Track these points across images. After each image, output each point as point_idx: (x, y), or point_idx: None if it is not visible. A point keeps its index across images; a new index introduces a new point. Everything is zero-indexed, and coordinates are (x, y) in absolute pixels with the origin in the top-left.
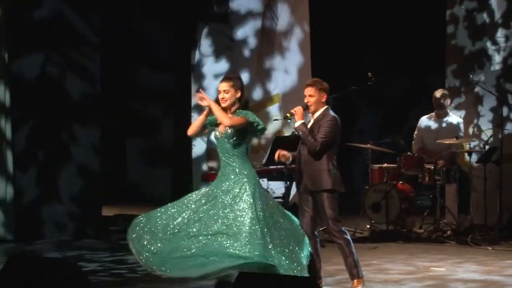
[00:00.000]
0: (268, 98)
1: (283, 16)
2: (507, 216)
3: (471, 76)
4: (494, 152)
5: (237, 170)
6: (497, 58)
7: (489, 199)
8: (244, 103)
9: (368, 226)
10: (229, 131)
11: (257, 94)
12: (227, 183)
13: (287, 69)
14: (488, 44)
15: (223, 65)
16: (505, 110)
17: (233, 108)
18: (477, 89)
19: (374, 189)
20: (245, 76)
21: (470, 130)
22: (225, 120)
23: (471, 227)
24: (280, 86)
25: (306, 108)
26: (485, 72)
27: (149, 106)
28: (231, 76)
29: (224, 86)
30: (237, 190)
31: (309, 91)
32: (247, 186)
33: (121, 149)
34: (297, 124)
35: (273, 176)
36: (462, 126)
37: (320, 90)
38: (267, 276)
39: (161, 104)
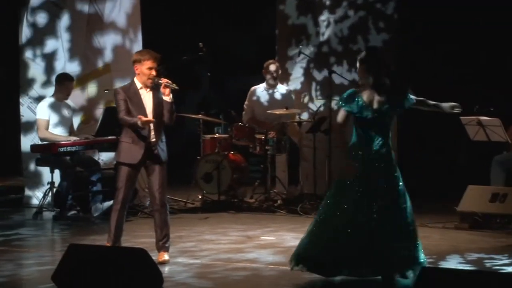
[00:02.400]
0: (98, 69)
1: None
2: None
3: (300, 47)
4: (323, 122)
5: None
6: (314, 40)
7: (319, 169)
8: None
9: (200, 197)
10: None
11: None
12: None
13: None
14: (310, 22)
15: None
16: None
17: None
18: (307, 59)
19: (205, 160)
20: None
21: (300, 101)
22: None
23: (300, 197)
24: (109, 56)
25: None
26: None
27: None
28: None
29: None
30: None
31: (157, 64)
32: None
33: None
34: (170, 98)
35: (104, 147)
36: (292, 96)
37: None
38: (98, 247)
39: None
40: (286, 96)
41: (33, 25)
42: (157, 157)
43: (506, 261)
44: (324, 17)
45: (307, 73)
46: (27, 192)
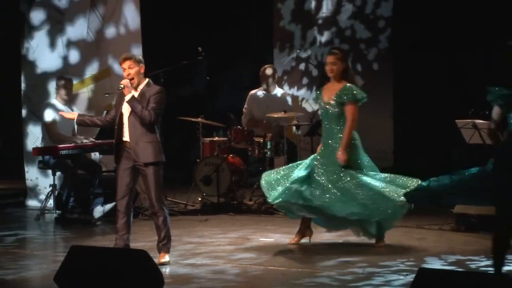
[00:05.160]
0: (99, 72)
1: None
2: None
3: (298, 51)
4: (320, 125)
5: None
6: (294, 53)
7: None
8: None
9: (200, 199)
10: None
11: (92, 69)
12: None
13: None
14: (298, 33)
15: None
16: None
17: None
18: (305, 63)
19: (205, 162)
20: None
21: (298, 104)
22: None
23: None
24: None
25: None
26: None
27: None
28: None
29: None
30: None
31: (127, 64)
32: None
33: None
34: (127, 97)
35: (104, 150)
36: (290, 100)
37: (139, 62)
38: (99, 248)
39: None
40: (284, 99)
41: (65, 58)
42: (136, 157)
43: None
44: (311, 33)
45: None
46: (30, 194)
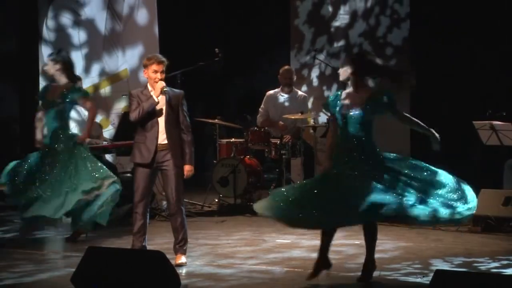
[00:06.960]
0: (116, 74)
1: None
2: None
3: (314, 52)
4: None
5: None
6: (301, 56)
7: None
8: None
9: (216, 200)
10: None
11: (106, 69)
12: None
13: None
14: (309, 37)
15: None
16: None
17: None
18: (322, 65)
19: (222, 164)
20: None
21: (315, 105)
22: None
23: None
24: (128, 62)
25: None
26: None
27: None
28: None
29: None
30: None
31: (161, 68)
32: None
33: None
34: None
35: (121, 151)
36: (307, 101)
37: (166, 67)
38: (116, 249)
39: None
40: (301, 100)
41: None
42: (170, 160)
43: None
44: (321, 40)
45: None
46: None
